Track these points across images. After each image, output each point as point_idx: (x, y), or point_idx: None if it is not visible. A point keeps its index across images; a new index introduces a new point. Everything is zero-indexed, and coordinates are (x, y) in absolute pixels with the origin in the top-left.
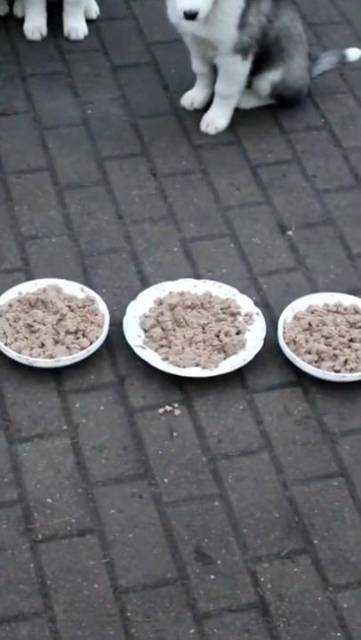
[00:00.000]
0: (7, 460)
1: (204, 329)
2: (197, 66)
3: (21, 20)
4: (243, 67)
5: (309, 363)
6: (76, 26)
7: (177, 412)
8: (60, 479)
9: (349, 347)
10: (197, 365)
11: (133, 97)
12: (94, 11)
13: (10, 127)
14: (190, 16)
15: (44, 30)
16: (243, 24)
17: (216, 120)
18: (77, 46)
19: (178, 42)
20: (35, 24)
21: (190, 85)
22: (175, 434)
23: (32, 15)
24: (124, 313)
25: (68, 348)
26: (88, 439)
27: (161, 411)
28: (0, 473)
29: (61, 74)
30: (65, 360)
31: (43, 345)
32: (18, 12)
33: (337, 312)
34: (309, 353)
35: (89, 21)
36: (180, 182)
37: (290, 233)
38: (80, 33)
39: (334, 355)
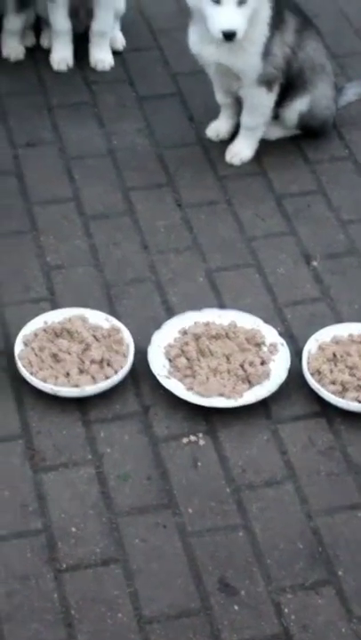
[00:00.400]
0: (32, 489)
1: (228, 359)
2: (221, 97)
3: (48, 51)
4: (268, 99)
5: (334, 393)
6: (102, 57)
7: (201, 442)
8: (85, 508)
9: None
10: (222, 395)
11: (159, 127)
12: (120, 42)
13: (36, 157)
14: (229, 36)
15: (71, 61)
16: (267, 53)
17: (241, 151)
18: (103, 77)
19: (203, 73)
20: (61, 55)
21: (215, 116)
22: (199, 464)
23: (59, 46)
24: (148, 342)
25: (93, 377)
26: (113, 469)
27: (185, 441)
28: (25, 502)
29: (87, 104)
30: (90, 389)
31: (68, 374)
32: (44, 42)
33: None
34: (334, 383)
35: (115, 53)
36: (205, 213)
37: (314, 263)
38: (106, 64)
39: (359, 385)
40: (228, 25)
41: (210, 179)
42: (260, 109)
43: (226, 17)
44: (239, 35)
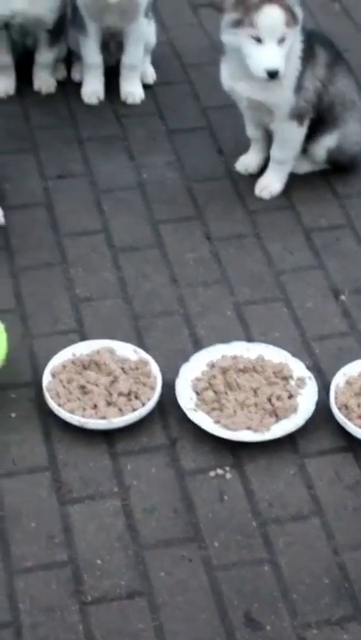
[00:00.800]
0: (58, 520)
1: (256, 392)
2: (251, 131)
3: (79, 85)
4: (298, 133)
5: None
6: (132, 90)
7: (228, 475)
8: (111, 541)
9: None
10: (249, 429)
11: (188, 161)
12: (151, 76)
13: (66, 190)
14: (272, 75)
15: (102, 94)
16: (299, 87)
17: (270, 185)
18: (134, 110)
19: (233, 107)
20: (92, 88)
21: (245, 150)
22: (226, 497)
23: (90, 80)
24: (176, 375)
25: (120, 409)
26: (139, 501)
27: (212, 474)
28: (51, 534)
29: (118, 137)
30: (117, 422)
31: (95, 406)
32: (76, 76)
33: None
34: None
35: (145, 86)
36: (233, 246)
37: (343, 298)
38: (137, 97)
39: None
40: (272, 64)
41: (239, 212)
42: (291, 143)
43: (269, 56)
44: (281, 73)
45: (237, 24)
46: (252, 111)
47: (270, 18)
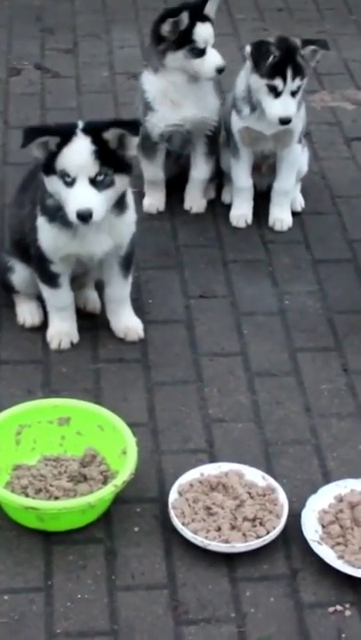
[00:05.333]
0: None
1: None
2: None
3: (228, 207)
4: None
5: None
6: (281, 217)
7: (348, 612)
8: None
9: None
10: None
11: (331, 291)
12: (299, 203)
13: (207, 310)
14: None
15: (250, 219)
16: None
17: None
18: (280, 237)
19: None
20: (241, 212)
21: None
22: (343, 635)
23: (239, 203)
24: (303, 506)
25: (244, 534)
26: (255, 630)
27: (331, 609)
28: None
29: (262, 262)
30: (240, 546)
31: (219, 529)
32: (226, 198)
33: None
34: None
35: (294, 214)
36: None
37: None
38: (285, 224)
39: None
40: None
41: None
42: None
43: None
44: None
45: None
46: None
47: None
